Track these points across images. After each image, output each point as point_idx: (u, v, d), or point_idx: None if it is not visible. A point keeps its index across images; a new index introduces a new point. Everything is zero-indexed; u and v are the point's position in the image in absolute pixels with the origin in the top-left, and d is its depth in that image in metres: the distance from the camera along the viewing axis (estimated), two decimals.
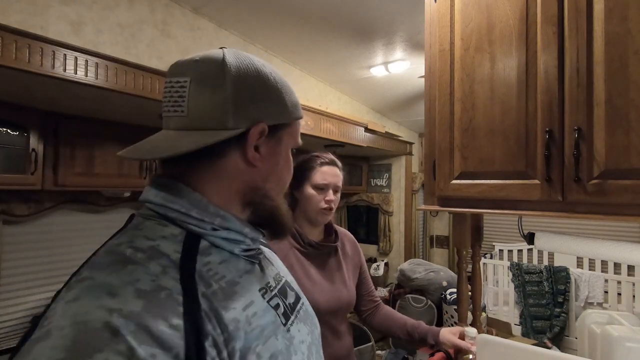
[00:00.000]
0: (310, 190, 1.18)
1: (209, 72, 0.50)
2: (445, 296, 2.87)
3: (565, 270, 2.70)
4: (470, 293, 1.35)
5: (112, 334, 0.35)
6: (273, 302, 0.54)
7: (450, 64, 1.09)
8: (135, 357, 0.34)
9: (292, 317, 0.57)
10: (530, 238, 1.13)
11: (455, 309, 1.94)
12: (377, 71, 2.91)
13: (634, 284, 2.53)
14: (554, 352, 1.07)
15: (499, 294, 3.09)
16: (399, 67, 2.80)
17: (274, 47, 2.64)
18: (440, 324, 2.95)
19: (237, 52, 0.54)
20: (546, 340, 2.23)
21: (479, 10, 1.03)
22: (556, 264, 3.02)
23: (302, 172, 1.19)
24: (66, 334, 0.35)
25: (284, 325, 0.53)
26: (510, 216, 0.98)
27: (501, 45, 0.99)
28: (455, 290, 1.99)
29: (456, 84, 1.08)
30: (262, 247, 0.65)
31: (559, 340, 2.57)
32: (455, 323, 2.43)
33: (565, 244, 1.07)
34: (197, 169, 0.51)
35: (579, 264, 3.20)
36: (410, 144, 3.91)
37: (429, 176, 1.15)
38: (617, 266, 2.96)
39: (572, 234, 1.09)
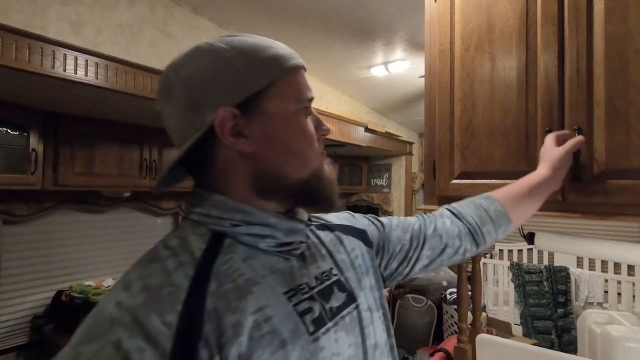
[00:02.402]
0: None
1: (162, 86, 0.50)
2: (445, 296, 2.87)
3: (565, 270, 2.70)
4: (470, 293, 1.35)
5: (111, 324, 0.37)
6: (301, 307, 0.47)
7: (450, 63, 1.09)
8: (122, 349, 0.36)
9: (329, 324, 0.48)
10: (530, 238, 1.13)
11: (455, 309, 1.94)
12: (377, 71, 2.91)
13: (634, 284, 2.53)
14: (554, 352, 1.07)
15: (499, 294, 3.09)
16: (399, 67, 2.81)
17: None
18: (440, 323, 2.95)
19: (190, 48, 0.50)
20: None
21: (479, 10, 1.03)
22: (556, 264, 3.02)
23: None
24: (88, 321, 0.39)
25: (310, 334, 0.46)
26: None
27: (501, 45, 0.99)
28: (455, 290, 1.99)
29: (456, 84, 1.08)
30: (324, 236, 0.60)
31: (568, 342, 2.56)
32: (455, 323, 2.42)
33: (565, 244, 1.07)
34: (208, 175, 0.51)
35: (579, 264, 3.20)
36: (410, 144, 3.91)
37: (429, 176, 1.15)
38: (617, 266, 2.96)
39: (572, 234, 1.09)
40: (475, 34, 1.04)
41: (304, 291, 0.49)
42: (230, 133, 0.47)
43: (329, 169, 0.54)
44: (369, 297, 0.58)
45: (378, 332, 0.56)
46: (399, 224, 0.70)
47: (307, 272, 0.51)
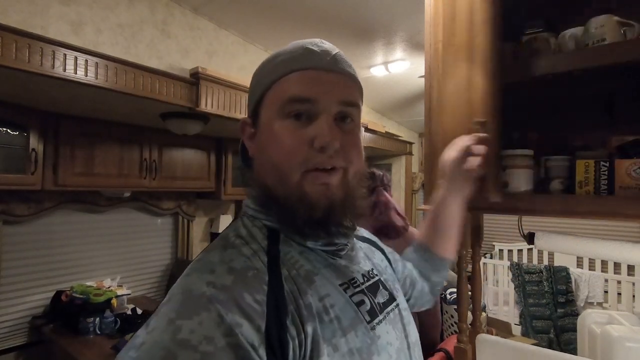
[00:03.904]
0: None
1: None
2: (445, 296, 2.86)
3: (565, 270, 2.70)
4: (470, 293, 1.35)
5: (207, 301, 0.39)
6: (356, 298, 0.50)
7: None
8: (224, 323, 0.38)
9: (380, 317, 0.52)
10: (530, 238, 1.13)
11: (455, 309, 1.94)
12: (377, 71, 2.91)
13: (634, 284, 2.53)
14: (554, 352, 1.07)
15: (499, 294, 3.09)
16: (399, 67, 2.80)
17: (274, 47, 2.64)
18: (440, 323, 2.95)
19: None
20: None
21: None
22: (556, 264, 3.02)
23: None
24: (178, 299, 0.41)
25: (368, 322, 0.49)
26: (510, 216, 0.98)
27: None
28: (455, 290, 1.99)
29: None
30: (359, 242, 0.64)
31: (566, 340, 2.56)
32: (455, 323, 2.42)
33: (565, 244, 1.07)
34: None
35: (579, 264, 3.21)
36: (410, 144, 3.91)
37: (429, 176, 1.15)
38: (617, 266, 2.96)
39: (572, 234, 1.09)
40: None
41: (355, 285, 0.52)
42: (248, 137, 0.54)
43: (323, 190, 0.48)
44: (403, 300, 0.61)
45: (414, 331, 0.59)
46: (399, 259, 0.75)
47: (355, 270, 0.54)
